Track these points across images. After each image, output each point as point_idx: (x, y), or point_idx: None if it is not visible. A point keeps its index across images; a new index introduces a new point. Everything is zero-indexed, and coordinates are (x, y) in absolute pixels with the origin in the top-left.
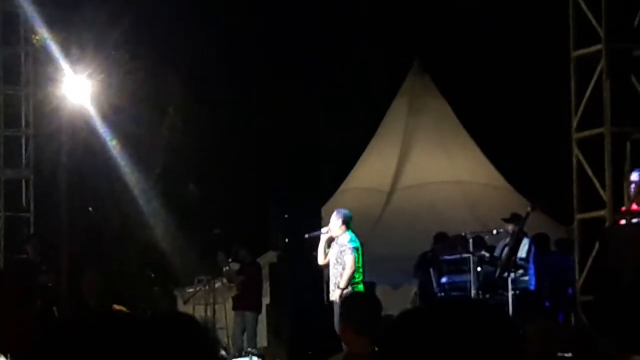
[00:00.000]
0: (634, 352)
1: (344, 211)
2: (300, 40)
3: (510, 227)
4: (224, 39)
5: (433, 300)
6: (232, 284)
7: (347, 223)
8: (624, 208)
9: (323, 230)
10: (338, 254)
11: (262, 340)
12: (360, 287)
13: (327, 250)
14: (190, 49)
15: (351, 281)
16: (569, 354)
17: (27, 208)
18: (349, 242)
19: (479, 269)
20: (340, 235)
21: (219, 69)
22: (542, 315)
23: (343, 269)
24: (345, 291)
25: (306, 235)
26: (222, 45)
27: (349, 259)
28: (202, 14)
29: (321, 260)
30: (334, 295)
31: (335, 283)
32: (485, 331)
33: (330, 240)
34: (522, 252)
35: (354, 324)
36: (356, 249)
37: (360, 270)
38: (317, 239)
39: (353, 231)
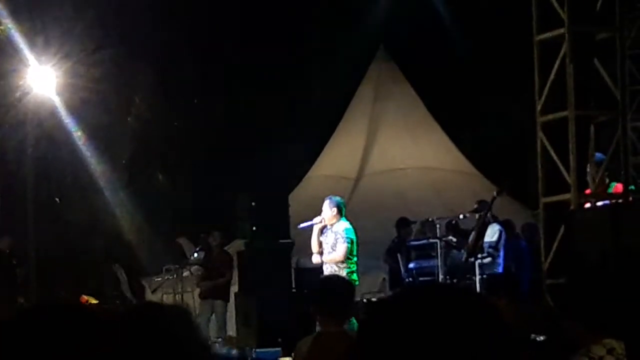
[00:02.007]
0: (603, 334)
1: (336, 199)
2: (266, 28)
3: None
4: (191, 29)
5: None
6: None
7: (341, 210)
8: (588, 191)
9: (315, 220)
10: (334, 242)
11: (231, 329)
12: (355, 276)
13: (320, 239)
14: (156, 39)
15: (346, 270)
16: (542, 337)
17: None
18: (344, 231)
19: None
20: (335, 223)
21: (186, 58)
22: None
23: None
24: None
25: (299, 226)
26: (188, 35)
27: (342, 248)
28: (168, 3)
29: (315, 249)
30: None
31: (331, 271)
32: (472, 317)
33: (324, 228)
34: (493, 238)
35: (327, 306)
36: (351, 240)
37: (355, 259)
38: (311, 229)
39: (347, 218)
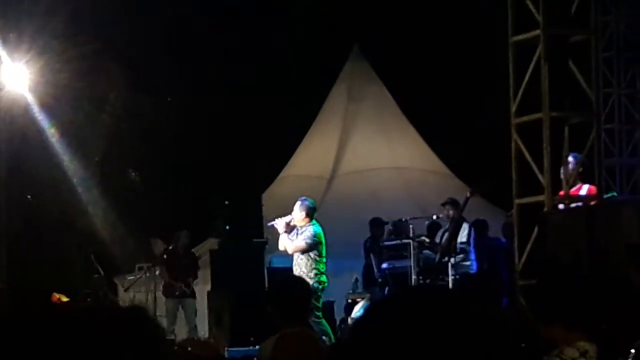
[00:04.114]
0: (576, 335)
1: (308, 202)
2: (240, 26)
3: (450, 212)
4: (165, 26)
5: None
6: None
7: (311, 215)
8: (562, 193)
9: (285, 218)
10: None
11: (203, 329)
12: (324, 278)
13: (290, 237)
14: (130, 36)
15: (314, 273)
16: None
17: None
18: (312, 236)
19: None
20: (304, 226)
21: (160, 56)
22: (485, 299)
23: (308, 259)
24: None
25: (268, 224)
26: (162, 33)
27: (300, 241)
28: (143, 1)
29: (290, 250)
30: None
31: (300, 273)
32: (457, 317)
33: (293, 228)
34: (462, 236)
35: (286, 306)
36: (320, 242)
37: (324, 261)
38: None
39: (317, 221)
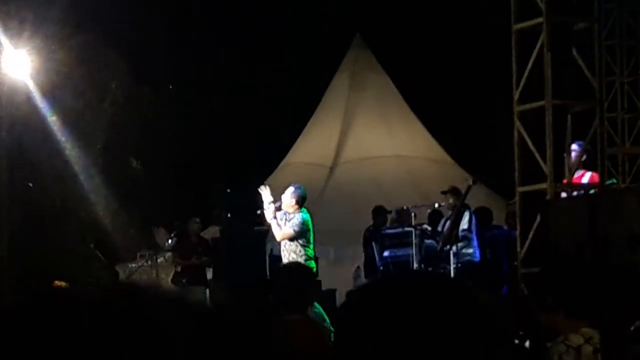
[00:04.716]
0: (581, 322)
1: (300, 191)
2: (242, 15)
3: (451, 200)
4: (166, 14)
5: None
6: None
7: (300, 203)
8: (565, 181)
9: (266, 207)
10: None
11: None
12: (312, 263)
13: (279, 223)
14: (132, 24)
15: (304, 259)
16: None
17: None
18: (300, 223)
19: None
20: (292, 213)
21: (162, 44)
22: (487, 287)
23: (296, 246)
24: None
25: (258, 211)
26: (164, 21)
27: (289, 230)
28: None
29: (278, 237)
30: None
31: (289, 259)
32: (446, 303)
33: (278, 210)
34: (464, 224)
35: (287, 294)
36: (307, 229)
37: (312, 246)
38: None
39: (308, 210)
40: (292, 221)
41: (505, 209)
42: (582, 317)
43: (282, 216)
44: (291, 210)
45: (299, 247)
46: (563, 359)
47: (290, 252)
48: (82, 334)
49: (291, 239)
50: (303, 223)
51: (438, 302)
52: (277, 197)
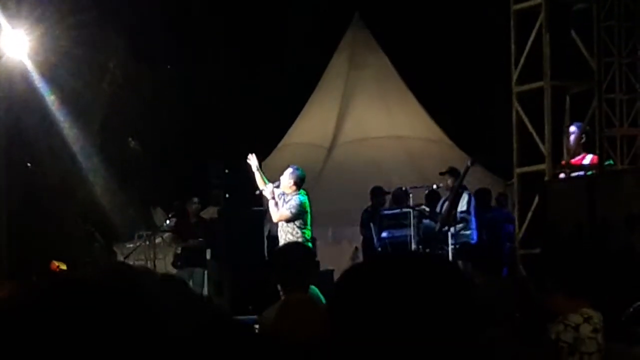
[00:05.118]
0: (581, 302)
1: (298, 172)
2: None
3: (449, 181)
4: None
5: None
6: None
7: (299, 185)
8: (563, 162)
9: (264, 188)
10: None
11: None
12: (310, 245)
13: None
14: (130, 3)
15: (301, 240)
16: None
17: None
18: (298, 205)
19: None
20: (290, 194)
21: (160, 23)
22: (485, 268)
23: (293, 228)
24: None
25: (257, 192)
26: (162, 0)
27: (286, 212)
28: None
29: (275, 218)
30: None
31: (286, 240)
32: (435, 282)
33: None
34: (462, 205)
35: (288, 273)
36: (304, 210)
37: (309, 228)
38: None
39: (306, 193)
40: (289, 203)
41: (504, 190)
42: (582, 297)
43: (280, 197)
44: (289, 191)
45: (296, 229)
46: (561, 337)
47: (286, 234)
48: (80, 323)
49: (288, 221)
50: (300, 205)
51: (424, 282)
52: (275, 178)
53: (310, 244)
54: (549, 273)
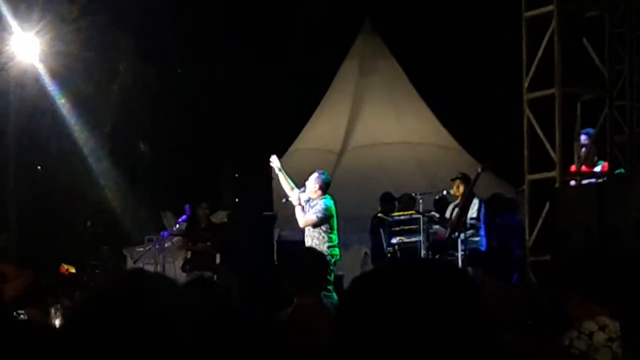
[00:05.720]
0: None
1: (324, 177)
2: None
3: (460, 187)
4: None
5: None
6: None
7: (324, 189)
8: (574, 169)
9: (290, 194)
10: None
11: None
12: (336, 250)
13: (304, 210)
14: (140, 6)
15: (327, 244)
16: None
17: None
18: (324, 210)
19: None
20: (316, 199)
21: (170, 27)
22: (495, 275)
23: (319, 232)
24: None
25: (283, 200)
26: (172, 3)
27: (312, 217)
28: None
29: (301, 223)
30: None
31: (312, 245)
32: (444, 288)
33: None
34: (473, 212)
35: (300, 278)
36: (331, 215)
37: (336, 232)
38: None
39: (332, 197)
40: (315, 207)
41: (515, 196)
42: (599, 303)
43: (306, 203)
44: (314, 196)
45: (322, 234)
46: (574, 344)
47: (313, 239)
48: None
49: (314, 226)
50: (326, 209)
51: (434, 289)
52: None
53: (337, 250)
54: (566, 279)
